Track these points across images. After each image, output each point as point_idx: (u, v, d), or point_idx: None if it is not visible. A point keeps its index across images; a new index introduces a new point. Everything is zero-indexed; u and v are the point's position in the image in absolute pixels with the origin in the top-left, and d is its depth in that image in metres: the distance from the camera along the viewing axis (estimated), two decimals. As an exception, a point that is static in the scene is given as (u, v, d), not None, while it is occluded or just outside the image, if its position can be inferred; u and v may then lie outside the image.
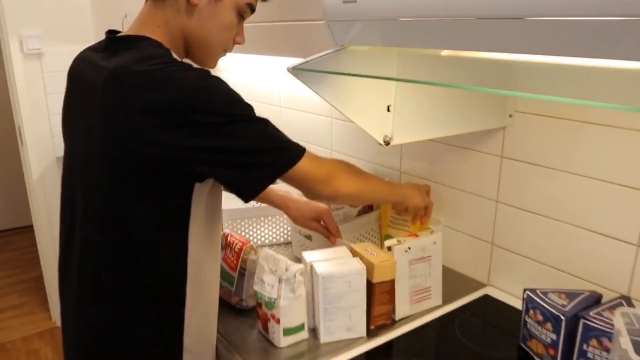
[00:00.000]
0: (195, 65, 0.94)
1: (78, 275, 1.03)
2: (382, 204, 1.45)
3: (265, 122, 0.94)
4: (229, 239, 1.30)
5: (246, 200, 0.98)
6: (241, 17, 1.04)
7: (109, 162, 0.92)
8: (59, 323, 3.05)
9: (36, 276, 3.50)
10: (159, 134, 0.87)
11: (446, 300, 1.27)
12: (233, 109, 0.90)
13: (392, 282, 1.15)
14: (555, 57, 0.62)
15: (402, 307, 1.21)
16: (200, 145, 0.88)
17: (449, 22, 0.64)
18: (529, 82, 0.76)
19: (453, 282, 1.38)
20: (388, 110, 0.99)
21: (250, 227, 1.62)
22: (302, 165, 0.96)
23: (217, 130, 0.88)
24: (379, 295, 1.15)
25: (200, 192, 0.97)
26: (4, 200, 4.37)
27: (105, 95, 0.91)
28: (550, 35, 0.56)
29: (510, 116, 1.21)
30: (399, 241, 1.17)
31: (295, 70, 0.91)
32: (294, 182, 1.00)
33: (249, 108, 0.93)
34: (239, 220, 1.60)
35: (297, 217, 1.36)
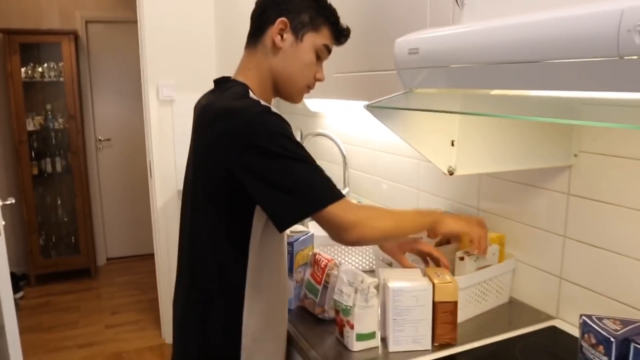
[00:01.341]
0: (263, 103, 1.12)
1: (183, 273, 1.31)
2: (454, 238, 1.55)
3: (308, 164, 1.07)
4: (316, 257, 1.49)
5: (279, 230, 1.12)
6: (318, 56, 1.25)
7: (199, 181, 1.19)
8: (167, 340, 3.37)
9: (152, 298, 3.88)
10: (224, 155, 1.09)
11: (513, 328, 1.36)
12: (283, 141, 1.05)
13: (455, 304, 1.25)
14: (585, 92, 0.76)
15: None
16: (249, 165, 1.06)
17: (488, 67, 0.80)
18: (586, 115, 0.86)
19: (522, 313, 1.45)
20: (452, 144, 1.14)
21: (339, 253, 1.79)
22: (332, 209, 1.07)
23: (266, 157, 1.05)
24: (440, 315, 1.25)
25: (261, 213, 1.15)
26: (132, 230, 4.91)
27: (197, 126, 1.21)
28: (560, 74, 0.70)
29: (576, 155, 1.30)
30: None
31: (369, 107, 1.10)
32: (322, 224, 1.11)
33: (298, 146, 1.08)
34: (329, 246, 1.77)
35: (388, 247, 1.39)
